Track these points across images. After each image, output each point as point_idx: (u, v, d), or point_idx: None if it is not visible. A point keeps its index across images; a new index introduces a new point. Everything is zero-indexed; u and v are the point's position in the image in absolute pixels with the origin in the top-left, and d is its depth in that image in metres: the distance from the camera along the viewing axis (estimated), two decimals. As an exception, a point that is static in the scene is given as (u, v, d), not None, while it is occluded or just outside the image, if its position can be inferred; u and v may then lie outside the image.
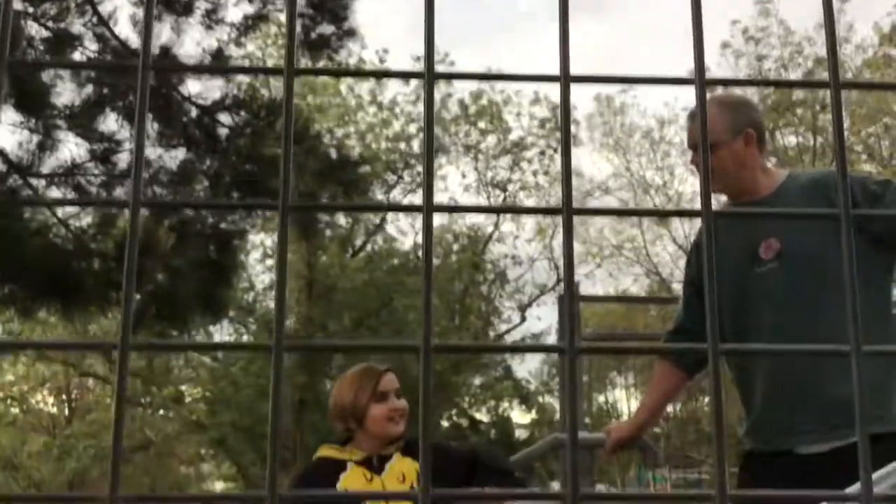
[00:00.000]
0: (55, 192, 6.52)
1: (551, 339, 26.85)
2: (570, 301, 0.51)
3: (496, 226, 22.58)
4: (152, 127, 6.19)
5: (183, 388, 20.24)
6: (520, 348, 1.13)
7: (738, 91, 3.11)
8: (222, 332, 33.14)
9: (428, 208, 0.48)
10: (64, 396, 25.41)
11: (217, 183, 6.22)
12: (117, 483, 0.42)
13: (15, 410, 21.50)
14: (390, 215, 20.96)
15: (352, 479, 2.54)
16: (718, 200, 3.23)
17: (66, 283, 6.07)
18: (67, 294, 6.13)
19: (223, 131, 6.52)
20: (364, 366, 2.78)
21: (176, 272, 6.53)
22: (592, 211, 0.55)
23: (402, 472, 2.60)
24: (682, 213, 0.57)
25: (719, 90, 2.95)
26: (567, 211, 0.48)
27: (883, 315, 2.60)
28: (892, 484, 1.67)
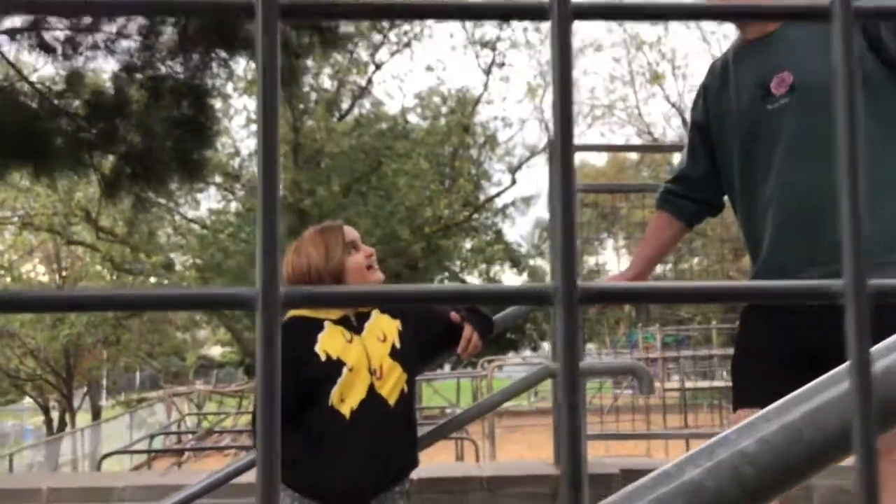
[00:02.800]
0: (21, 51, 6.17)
1: (542, 201, 26.77)
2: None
3: (485, 87, 22.06)
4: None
5: (172, 255, 20.17)
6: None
7: None
8: (209, 199, 33.00)
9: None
10: (54, 265, 25.43)
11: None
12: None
13: (6, 280, 21.46)
14: (377, 77, 20.43)
15: (330, 339, 2.38)
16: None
17: (35, 145, 5.79)
18: (37, 156, 5.86)
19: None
20: (322, 224, 2.55)
21: (150, 132, 6.25)
22: None
23: (382, 330, 2.44)
24: None
25: None
26: None
27: None
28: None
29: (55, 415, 29.01)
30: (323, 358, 2.33)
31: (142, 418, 22.92)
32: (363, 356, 2.37)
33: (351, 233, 2.51)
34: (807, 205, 2.46)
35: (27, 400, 31.63)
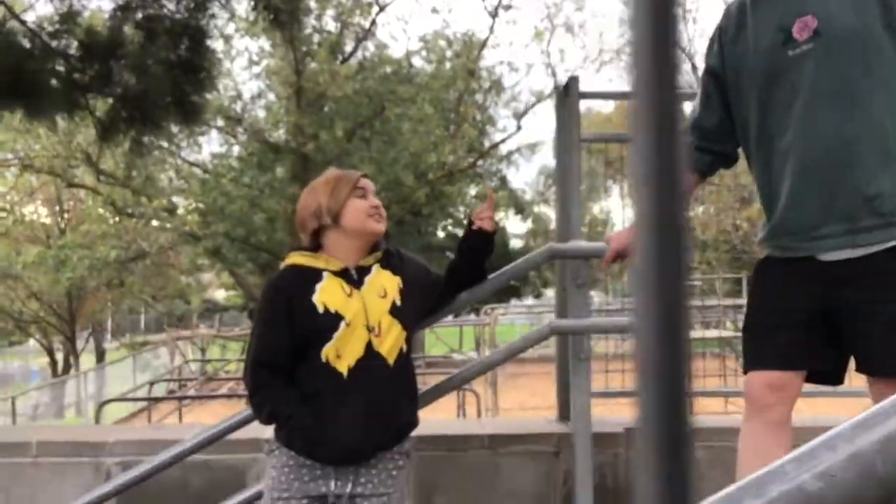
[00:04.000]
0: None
1: (547, 148, 26.53)
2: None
3: (491, 30, 21.67)
4: None
5: (174, 199, 20.03)
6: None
7: None
8: (211, 143, 32.73)
9: None
10: (56, 207, 25.34)
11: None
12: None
13: (8, 221, 21.38)
14: (381, 18, 20.05)
15: (329, 291, 2.28)
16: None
17: (28, 86, 5.63)
18: (30, 97, 5.70)
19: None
20: (339, 171, 2.47)
21: (146, 73, 6.07)
22: None
23: (382, 286, 2.34)
24: None
25: None
26: None
27: None
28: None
29: (59, 357, 29.21)
30: (321, 309, 2.24)
31: (146, 361, 23.06)
32: (362, 311, 2.27)
33: (367, 183, 2.44)
34: (828, 156, 2.34)
35: (32, 342, 31.83)
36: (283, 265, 2.40)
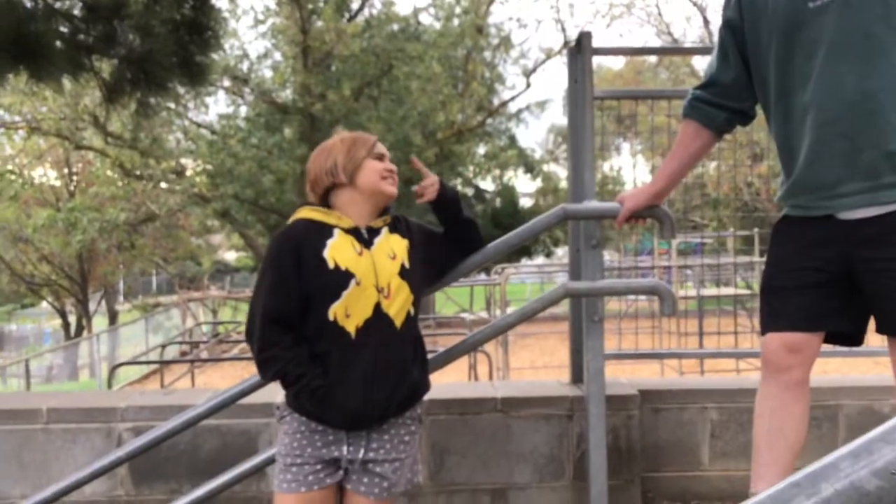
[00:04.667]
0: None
1: (557, 105, 26.33)
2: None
3: (500, -14, 21.34)
4: None
5: (182, 161, 19.97)
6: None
7: None
8: (218, 104, 32.59)
9: None
10: (65, 170, 25.32)
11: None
12: None
13: (17, 184, 21.39)
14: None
15: (339, 248, 2.23)
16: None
17: (32, 47, 5.55)
18: (34, 58, 5.63)
19: None
20: (357, 133, 2.45)
21: (150, 34, 5.99)
22: None
23: (391, 248, 2.31)
24: None
25: None
26: None
27: None
28: None
29: (72, 319, 29.41)
30: (331, 265, 2.20)
31: (158, 322, 23.21)
32: (371, 271, 2.23)
33: (382, 147, 2.43)
34: (849, 111, 2.28)
35: (44, 304, 32.05)
36: (293, 217, 2.35)
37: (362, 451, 2.24)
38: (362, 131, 2.51)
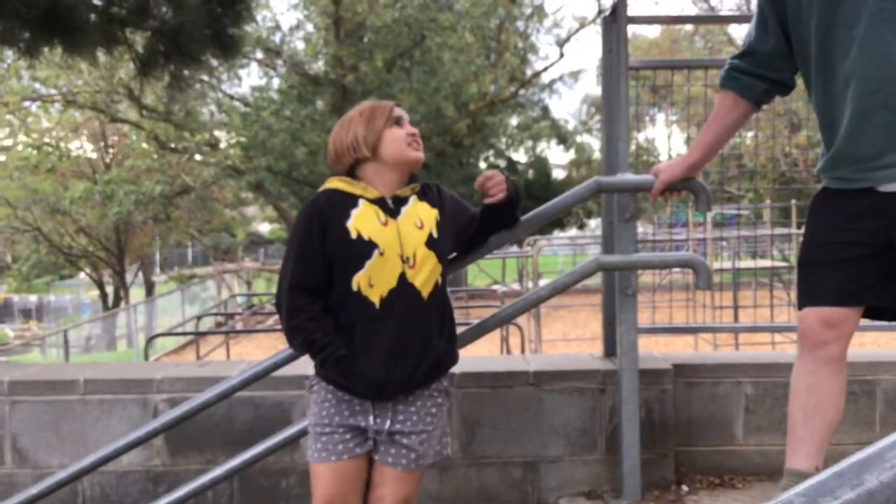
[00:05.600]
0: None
1: (590, 76, 26.05)
2: None
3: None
4: None
5: (216, 133, 20.08)
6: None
7: None
8: (251, 76, 32.59)
9: None
10: (101, 143, 25.58)
11: None
12: None
13: (54, 156, 21.63)
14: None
15: (364, 218, 2.24)
16: None
17: (66, 21, 5.58)
18: (68, 32, 5.66)
19: None
20: (373, 102, 2.42)
21: (183, 6, 5.99)
22: None
23: (419, 217, 2.30)
24: None
25: None
26: None
27: None
28: None
29: (110, 290, 29.84)
30: (353, 235, 2.20)
31: (194, 293, 23.48)
32: (396, 241, 2.23)
33: (400, 111, 2.39)
34: (892, 82, 2.23)
35: (82, 275, 32.53)
36: (321, 188, 2.35)
37: (388, 423, 2.25)
38: (379, 104, 2.42)
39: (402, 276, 2.22)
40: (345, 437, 2.24)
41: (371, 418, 2.24)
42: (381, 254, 2.19)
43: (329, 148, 2.38)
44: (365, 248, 2.19)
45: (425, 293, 2.25)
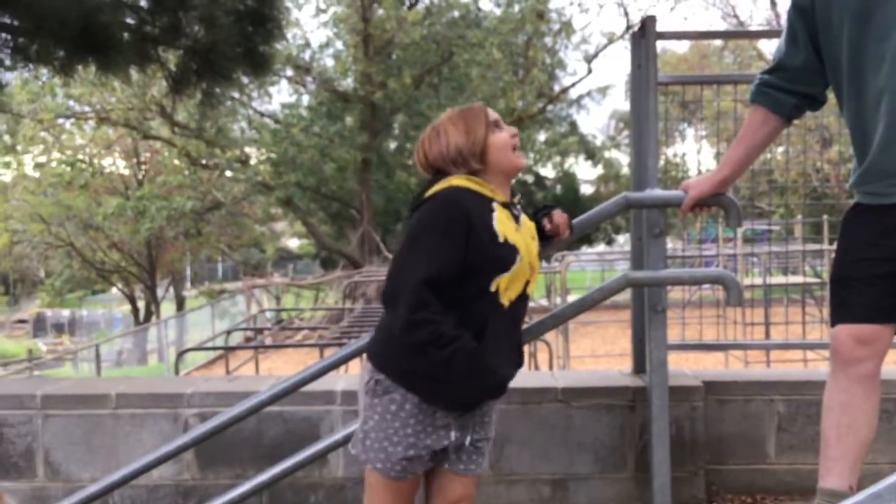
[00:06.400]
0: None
1: (618, 91, 26.01)
2: None
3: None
4: None
5: (247, 149, 20.27)
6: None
7: None
8: (281, 93, 32.87)
9: None
10: (134, 159, 25.89)
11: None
12: None
13: (87, 173, 21.93)
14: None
15: (503, 221, 2.15)
16: None
17: (100, 39, 5.67)
18: (102, 50, 5.75)
19: None
20: (462, 107, 2.32)
21: (215, 25, 6.07)
22: None
23: (531, 228, 2.30)
24: None
25: None
26: None
27: None
28: None
29: (141, 304, 30.11)
30: (501, 239, 2.12)
31: (224, 308, 23.61)
32: (527, 249, 2.19)
33: (493, 113, 2.30)
34: None
35: (114, 290, 32.86)
36: (445, 185, 2.18)
37: (469, 436, 2.21)
38: (471, 109, 2.30)
39: (527, 284, 2.21)
40: (425, 459, 2.18)
41: (452, 433, 2.18)
42: (522, 259, 2.15)
43: (420, 156, 2.28)
44: (511, 253, 2.13)
45: (528, 304, 2.28)
